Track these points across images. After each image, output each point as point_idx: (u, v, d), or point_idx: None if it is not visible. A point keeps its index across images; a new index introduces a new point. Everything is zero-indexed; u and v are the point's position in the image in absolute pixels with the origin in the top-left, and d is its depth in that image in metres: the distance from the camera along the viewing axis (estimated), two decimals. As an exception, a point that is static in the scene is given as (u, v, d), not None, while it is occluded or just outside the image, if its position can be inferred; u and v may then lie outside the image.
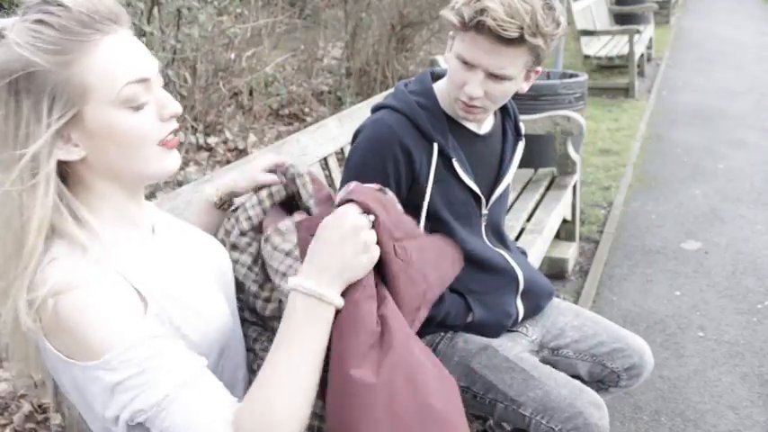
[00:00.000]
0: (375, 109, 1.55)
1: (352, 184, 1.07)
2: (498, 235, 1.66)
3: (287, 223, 1.12)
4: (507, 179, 1.61)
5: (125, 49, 0.88)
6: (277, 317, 1.11)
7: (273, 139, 4.42)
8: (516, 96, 1.51)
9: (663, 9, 10.86)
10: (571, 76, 3.96)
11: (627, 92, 6.87)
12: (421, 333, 1.36)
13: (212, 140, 4.24)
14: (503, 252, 1.61)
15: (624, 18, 8.89)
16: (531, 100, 3.55)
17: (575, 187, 3.21)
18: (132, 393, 0.82)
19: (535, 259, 2.48)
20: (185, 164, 3.88)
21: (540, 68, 1.46)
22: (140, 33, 3.04)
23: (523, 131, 1.67)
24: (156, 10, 3.36)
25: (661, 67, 8.20)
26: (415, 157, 1.46)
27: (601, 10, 8.43)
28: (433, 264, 1.17)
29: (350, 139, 2.23)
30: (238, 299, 1.15)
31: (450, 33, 1.45)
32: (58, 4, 0.84)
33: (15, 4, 2.88)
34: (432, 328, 1.54)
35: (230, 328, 1.04)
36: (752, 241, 3.59)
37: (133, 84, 0.88)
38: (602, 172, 4.68)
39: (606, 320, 1.68)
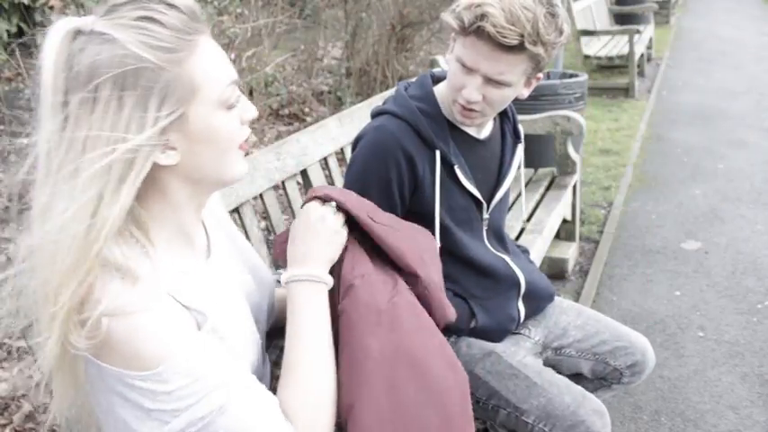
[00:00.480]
0: (376, 114, 1.54)
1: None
2: (499, 238, 1.66)
3: None
4: (507, 182, 1.61)
5: (217, 50, 0.90)
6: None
7: (273, 139, 4.41)
8: (516, 97, 1.51)
9: (663, 9, 10.86)
10: (571, 76, 3.96)
11: (627, 92, 6.87)
12: None
13: (212, 140, 4.23)
14: (504, 256, 1.61)
15: (624, 18, 8.88)
16: (531, 100, 3.55)
17: (575, 187, 3.21)
18: (185, 402, 0.82)
19: (535, 259, 2.48)
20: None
21: (540, 75, 1.45)
22: (140, 33, 3.03)
23: (522, 134, 1.66)
24: (156, 10, 3.35)
25: (661, 67, 8.20)
26: (418, 163, 1.45)
27: (601, 10, 8.43)
28: (414, 240, 1.20)
29: (350, 139, 2.24)
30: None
31: (452, 35, 1.44)
32: (164, 3, 0.84)
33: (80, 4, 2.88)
34: None
35: (258, 360, 1.05)
36: (752, 241, 3.59)
37: (231, 84, 0.90)
38: (602, 172, 4.68)
39: (608, 318, 1.68)
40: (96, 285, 0.80)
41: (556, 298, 1.72)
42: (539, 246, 2.53)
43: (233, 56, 4.37)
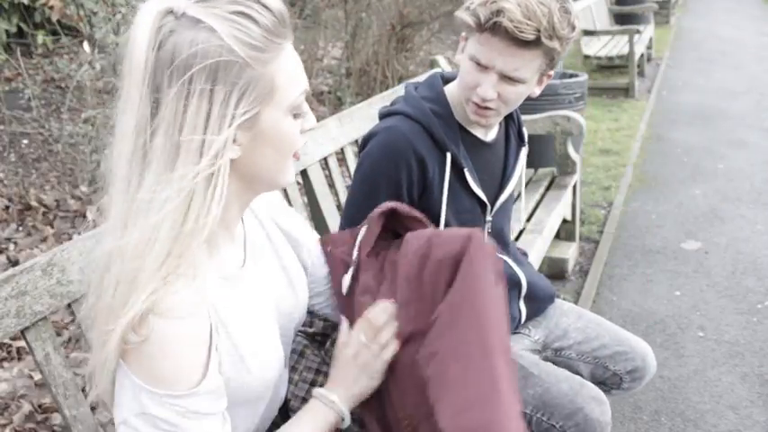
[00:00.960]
0: (385, 114, 1.52)
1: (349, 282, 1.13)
2: (502, 241, 1.66)
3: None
4: (511, 185, 1.61)
5: (297, 58, 0.91)
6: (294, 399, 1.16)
7: (273, 139, 4.41)
8: (528, 96, 1.50)
9: (663, 9, 10.86)
10: (571, 76, 3.96)
11: (627, 92, 6.87)
12: None
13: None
14: (506, 258, 1.61)
15: (624, 18, 8.88)
16: (531, 100, 3.51)
17: (575, 187, 3.21)
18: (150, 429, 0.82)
19: (535, 259, 2.48)
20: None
21: (552, 73, 1.45)
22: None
23: (527, 138, 1.66)
24: (156, 10, 3.36)
25: (661, 67, 8.20)
26: (429, 165, 1.44)
27: (601, 10, 8.43)
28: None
29: (350, 139, 2.24)
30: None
31: (463, 35, 1.43)
32: (260, 3, 0.85)
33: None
34: None
35: (279, 376, 1.05)
36: (752, 241, 3.59)
37: (303, 93, 0.91)
38: (602, 172, 4.68)
39: (609, 323, 1.68)
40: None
41: (557, 300, 1.72)
42: (539, 246, 2.53)
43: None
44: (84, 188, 3.30)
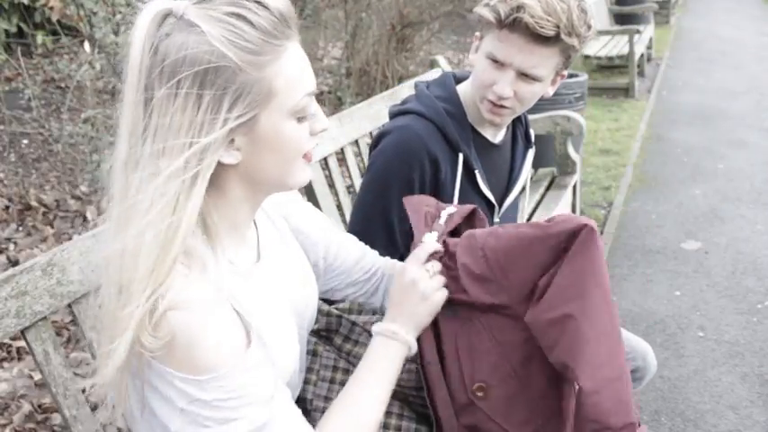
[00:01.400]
0: (398, 113, 1.51)
1: (418, 221, 1.16)
2: None
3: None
4: (518, 187, 1.61)
5: (303, 59, 0.89)
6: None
7: (273, 139, 4.41)
8: (542, 96, 1.49)
9: (663, 9, 10.85)
10: (571, 76, 3.96)
11: (627, 92, 6.87)
12: None
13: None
14: None
15: (624, 18, 8.88)
16: (532, 100, 3.55)
17: (575, 187, 3.21)
18: (221, 414, 0.82)
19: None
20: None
21: (566, 72, 1.45)
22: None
23: (533, 139, 1.66)
24: (156, 10, 3.36)
25: (661, 67, 8.20)
26: (442, 166, 1.44)
27: (601, 10, 8.43)
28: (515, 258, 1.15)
29: (350, 139, 2.24)
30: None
31: (477, 34, 1.43)
32: (256, 2, 0.83)
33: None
34: None
35: (295, 370, 1.05)
36: (752, 241, 3.59)
37: (308, 95, 0.89)
38: (602, 172, 4.68)
39: None
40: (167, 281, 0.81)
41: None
42: (539, 246, 2.52)
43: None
44: (84, 188, 3.30)
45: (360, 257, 1.24)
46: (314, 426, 0.93)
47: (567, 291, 1.03)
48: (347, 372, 1.13)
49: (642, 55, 7.52)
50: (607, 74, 7.41)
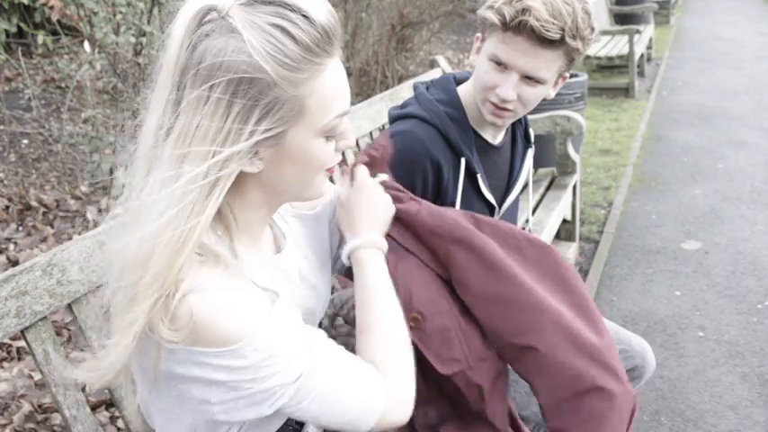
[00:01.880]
0: (399, 116, 1.50)
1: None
2: None
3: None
4: (518, 188, 1.60)
5: (341, 78, 0.87)
6: None
7: (273, 139, 4.41)
8: (544, 98, 1.49)
9: (663, 9, 10.85)
10: (571, 76, 3.96)
11: (627, 92, 6.87)
12: None
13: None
14: None
15: (624, 18, 8.88)
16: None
17: (575, 187, 3.21)
18: (264, 372, 0.83)
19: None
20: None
21: (568, 75, 1.44)
22: (140, 33, 3.04)
23: (533, 139, 1.66)
24: (156, 10, 3.36)
25: (661, 67, 8.20)
26: (444, 171, 1.44)
27: (601, 10, 8.43)
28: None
29: (350, 139, 2.23)
30: None
31: (478, 35, 1.42)
32: (303, 15, 0.80)
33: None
34: None
35: None
36: (752, 241, 3.59)
37: (339, 116, 0.88)
38: (602, 172, 4.68)
39: (609, 321, 1.67)
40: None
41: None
42: (539, 246, 2.52)
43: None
44: (84, 188, 3.30)
45: None
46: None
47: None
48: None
49: (642, 55, 7.52)
50: (607, 74, 7.41)
